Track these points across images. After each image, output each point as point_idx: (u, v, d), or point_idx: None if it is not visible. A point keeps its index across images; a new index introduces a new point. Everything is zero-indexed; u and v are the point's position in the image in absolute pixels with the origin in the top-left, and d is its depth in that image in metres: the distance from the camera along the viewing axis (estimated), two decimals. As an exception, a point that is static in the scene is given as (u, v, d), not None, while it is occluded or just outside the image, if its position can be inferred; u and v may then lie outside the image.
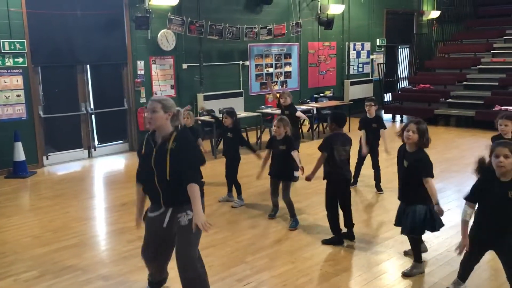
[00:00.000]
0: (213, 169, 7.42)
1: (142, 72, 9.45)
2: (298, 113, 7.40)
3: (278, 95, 6.88)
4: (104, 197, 6.90)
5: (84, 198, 6.58)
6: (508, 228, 3.26)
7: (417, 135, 3.88)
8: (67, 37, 8.42)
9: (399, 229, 4.18)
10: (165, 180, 3.26)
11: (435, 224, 4.00)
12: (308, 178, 4.85)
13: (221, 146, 7.60)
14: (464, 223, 3.39)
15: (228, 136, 6.15)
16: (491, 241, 3.35)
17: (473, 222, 3.44)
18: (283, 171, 5.29)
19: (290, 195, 5.32)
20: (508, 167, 3.12)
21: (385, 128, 6.45)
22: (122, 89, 9.35)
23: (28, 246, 4.91)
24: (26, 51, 7.89)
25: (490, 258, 4.05)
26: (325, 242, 4.82)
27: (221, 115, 6.41)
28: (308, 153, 8.31)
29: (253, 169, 7.58)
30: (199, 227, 3.15)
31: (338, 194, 4.79)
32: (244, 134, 9.66)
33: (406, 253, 4.46)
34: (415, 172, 3.91)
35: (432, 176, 3.91)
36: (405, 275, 4.10)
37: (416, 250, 4.16)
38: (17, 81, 7.89)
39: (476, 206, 3.39)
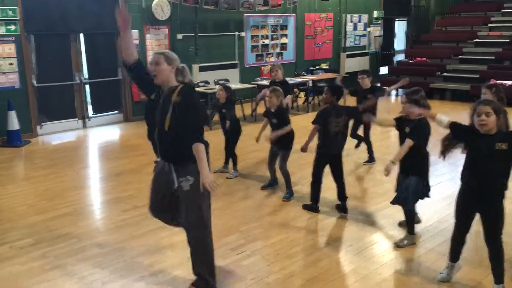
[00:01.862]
0: (211, 141, 7.43)
1: (137, 41, 9.33)
2: (287, 99, 7.15)
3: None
4: (99, 167, 6.91)
5: (79, 168, 6.59)
6: (495, 187, 3.27)
7: (409, 105, 3.93)
8: (60, 4, 8.28)
9: (390, 200, 4.24)
10: (163, 131, 3.22)
11: (422, 194, 4.09)
12: (303, 149, 4.89)
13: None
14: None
15: (223, 112, 6.14)
16: (479, 202, 3.33)
17: (460, 186, 3.44)
18: (282, 141, 5.30)
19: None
20: (490, 124, 3.14)
21: (382, 94, 6.50)
22: (116, 59, 9.25)
23: (23, 214, 4.94)
24: (18, 18, 7.77)
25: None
26: (304, 207, 5.01)
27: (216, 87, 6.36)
28: (303, 126, 8.30)
29: (247, 140, 7.60)
30: (206, 188, 3.11)
31: (331, 167, 4.83)
32: (239, 106, 9.68)
33: (400, 224, 4.53)
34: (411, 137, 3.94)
35: (415, 142, 3.93)
36: (397, 246, 4.17)
37: (410, 222, 4.23)
38: (10, 49, 7.79)
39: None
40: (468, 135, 3.30)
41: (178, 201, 3.37)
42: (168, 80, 3.23)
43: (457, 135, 3.39)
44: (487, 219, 3.35)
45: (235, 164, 6.14)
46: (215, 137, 6.39)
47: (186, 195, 3.27)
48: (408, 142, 3.93)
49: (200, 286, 3.43)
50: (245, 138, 7.27)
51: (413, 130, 3.96)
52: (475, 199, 3.35)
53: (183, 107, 3.15)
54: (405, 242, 4.20)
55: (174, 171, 3.29)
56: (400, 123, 4.09)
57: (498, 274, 3.38)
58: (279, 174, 5.49)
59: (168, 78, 3.22)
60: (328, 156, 4.81)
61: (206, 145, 3.25)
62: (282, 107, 5.33)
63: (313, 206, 4.97)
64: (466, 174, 3.37)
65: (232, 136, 6.14)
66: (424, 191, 4.07)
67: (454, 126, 3.38)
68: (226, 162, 6.26)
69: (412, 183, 4.00)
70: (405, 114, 4.02)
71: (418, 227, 4.50)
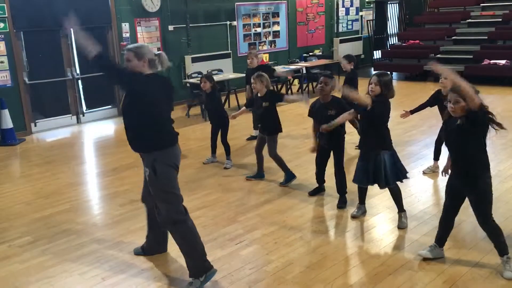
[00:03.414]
0: (205, 132, 7.43)
1: (128, 35, 9.28)
2: (278, 73, 7.32)
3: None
4: (94, 162, 6.89)
5: (75, 164, 6.57)
6: (471, 169, 3.33)
7: (379, 87, 3.96)
8: (49, 0, 8.18)
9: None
10: (126, 123, 3.33)
11: (400, 174, 4.14)
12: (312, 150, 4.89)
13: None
14: None
15: (209, 100, 6.11)
16: (462, 184, 3.41)
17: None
18: (269, 126, 5.29)
19: (282, 155, 5.35)
20: (458, 111, 3.23)
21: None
22: (108, 53, 9.19)
23: (21, 213, 4.94)
24: (6, 15, 7.69)
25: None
26: (311, 193, 5.04)
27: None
28: (298, 113, 8.32)
29: (241, 130, 7.60)
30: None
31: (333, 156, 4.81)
32: (233, 96, 9.67)
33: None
34: (377, 119, 4.00)
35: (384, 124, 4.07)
36: (400, 227, 4.22)
37: (398, 200, 4.26)
38: (0, 47, 7.72)
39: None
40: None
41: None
42: (142, 74, 3.26)
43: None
44: (472, 201, 3.42)
45: (228, 153, 6.13)
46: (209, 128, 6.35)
47: (149, 185, 3.35)
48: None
49: (191, 275, 3.43)
50: (240, 128, 7.28)
51: (379, 112, 4.02)
52: (458, 181, 3.43)
53: (128, 96, 3.24)
54: (404, 220, 4.25)
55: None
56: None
57: (500, 248, 3.45)
58: (267, 164, 5.46)
59: (141, 72, 3.25)
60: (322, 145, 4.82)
61: (169, 137, 3.29)
62: (269, 89, 5.32)
63: (316, 188, 5.02)
64: (452, 162, 3.48)
65: (221, 127, 6.12)
66: (395, 168, 4.13)
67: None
68: (214, 152, 6.25)
69: (386, 159, 4.06)
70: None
71: (416, 210, 4.53)
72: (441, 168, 3.78)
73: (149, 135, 3.25)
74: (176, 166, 3.37)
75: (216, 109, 6.14)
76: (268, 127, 5.30)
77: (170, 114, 3.43)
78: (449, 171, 3.56)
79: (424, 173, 5.53)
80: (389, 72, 4.14)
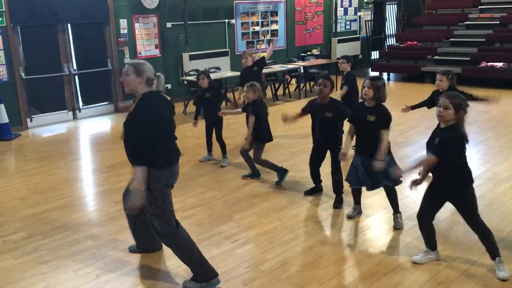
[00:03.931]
0: (202, 129, 7.42)
1: (125, 31, 9.24)
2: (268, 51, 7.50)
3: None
4: (90, 158, 6.87)
5: (71, 160, 6.55)
6: (450, 177, 3.34)
7: (372, 90, 3.99)
8: (46, -5, 8.16)
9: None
10: (124, 141, 3.28)
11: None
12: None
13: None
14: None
15: (207, 96, 6.10)
16: (443, 192, 3.46)
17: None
18: (257, 134, 5.32)
19: (277, 154, 5.35)
20: (446, 117, 3.26)
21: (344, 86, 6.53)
22: (105, 49, 9.16)
23: (16, 208, 4.91)
24: (4, 10, 7.65)
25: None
26: (307, 193, 5.04)
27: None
28: (295, 113, 8.32)
29: (238, 129, 7.59)
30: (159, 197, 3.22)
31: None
32: (230, 95, 9.65)
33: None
34: (379, 126, 4.01)
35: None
36: (396, 228, 4.25)
37: (394, 201, 4.27)
38: (-4, 41, 7.68)
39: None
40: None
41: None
42: (137, 90, 3.26)
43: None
44: (456, 207, 3.48)
45: (224, 152, 6.13)
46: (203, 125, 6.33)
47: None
48: (385, 133, 4.02)
49: (193, 278, 3.42)
50: (236, 127, 7.27)
51: (382, 119, 4.02)
52: (439, 189, 3.47)
53: (131, 121, 3.20)
54: (400, 221, 4.27)
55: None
56: (359, 109, 4.20)
57: (491, 251, 3.47)
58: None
59: (136, 88, 3.25)
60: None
61: (158, 158, 3.17)
62: (258, 100, 5.35)
63: (313, 188, 5.03)
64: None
65: (216, 124, 6.12)
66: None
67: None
68: (210, 150, 6.24)
69: (387, 161, 4.06)
70: None
71: (411, 211, 4.53)
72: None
73: (150, 153, 3.15)
74: (171, 184, 3.35)
75: (212, 106, 6.13)
76: (258, 136, 5.33)
77: (174, 133, 3.40)
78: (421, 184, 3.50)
79: (420, 174, 5.52)
80: (383, 77, 4.16)
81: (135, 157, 3.18)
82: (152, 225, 3.33)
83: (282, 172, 5.36)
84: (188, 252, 3.40)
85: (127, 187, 3.66)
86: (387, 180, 4.10)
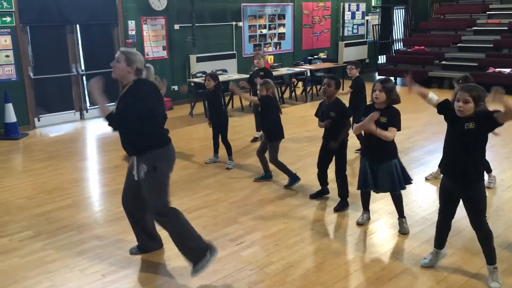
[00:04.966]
0: (208, 131, 7.43)
1: (133, 32, 9.29)
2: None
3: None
4: (97, 159, 6.90)
5: (77, 160, 6.58)
6: (469, 170, 3.29)
7: (384, 93, 3.95)
8: (56, -5, 8.21)
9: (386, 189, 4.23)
10: (119, 128, 3.41)
11: (406, 178, 4.15)
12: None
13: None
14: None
15: (212, 98, 6.12)
16: (457, 187, 3.38)
17: (442, 174, 3.56)
18: (269, 132, 5.31)
19: (284, 157, 5.34)
20: (466, 111, 3.21)
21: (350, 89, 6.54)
22: (113, 50, 9.19)
23: (22, 207, 4.94)
24: (13, 10, 7.71)
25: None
26: (313, 196, 5.02)
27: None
28: (301, 116, 8.33)
29: (244, 131, 7.60)
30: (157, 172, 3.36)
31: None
32: (237, 97, 9.65)
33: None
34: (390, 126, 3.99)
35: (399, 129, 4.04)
36: (402, 233, 4.22)
37: (400, 206, 4.25)
38: (6, 41, 7.73)
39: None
40: (450, 116, 3.35)
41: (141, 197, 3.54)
42: (125, 78, 3.37)
43: (441, 111, 3.46)
44: (467, 203, 3.40)
45: (230, 154, 6.13)
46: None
47: (142, 182, 3.41)
48: (393, 130, 4.00)
49: (194, 260, 3.46)
50: (243, 129, 7.28)
51: (394, 120, 4.01)
52: (452, 184, 3.41)
53: (123, 103, 3.32)
54: (405, 226, 4.25)
55: (136, 163, 3.45)
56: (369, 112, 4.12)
57: (488, 256, 3.44)
58: (272, 166, 5.47)
59: (124, 76, 3.37)
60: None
61: (157, 138, 3.38)
62: (269, 96, 5.34)
63: (320, 191, 5.02)
64: (443, 160, 3.49)
65: (221, 126, 6.13)
66: (402, 173, 4.14)
67: (441, 104, 3.48)
68: (216, 152, 6.25)
69: (396, 167, 4.07)
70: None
71: (417, 216, 4.52)
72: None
73: (150, 136, 3.35)
74: (171, 166, 3.51)
75: (217, 108, 6.15)
76: (268, 133, 5.32)
77: (164, 114, 3.62)
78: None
79: (426, 179, 5.52)
80: (392, 78, 4.12)
81: (136, 141, 3.35)
82: (152, 205, 3.44)
83: (294, 178, 5.33)
84: (186, 228, 3.49)
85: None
86: (393, 190, 4.11)
